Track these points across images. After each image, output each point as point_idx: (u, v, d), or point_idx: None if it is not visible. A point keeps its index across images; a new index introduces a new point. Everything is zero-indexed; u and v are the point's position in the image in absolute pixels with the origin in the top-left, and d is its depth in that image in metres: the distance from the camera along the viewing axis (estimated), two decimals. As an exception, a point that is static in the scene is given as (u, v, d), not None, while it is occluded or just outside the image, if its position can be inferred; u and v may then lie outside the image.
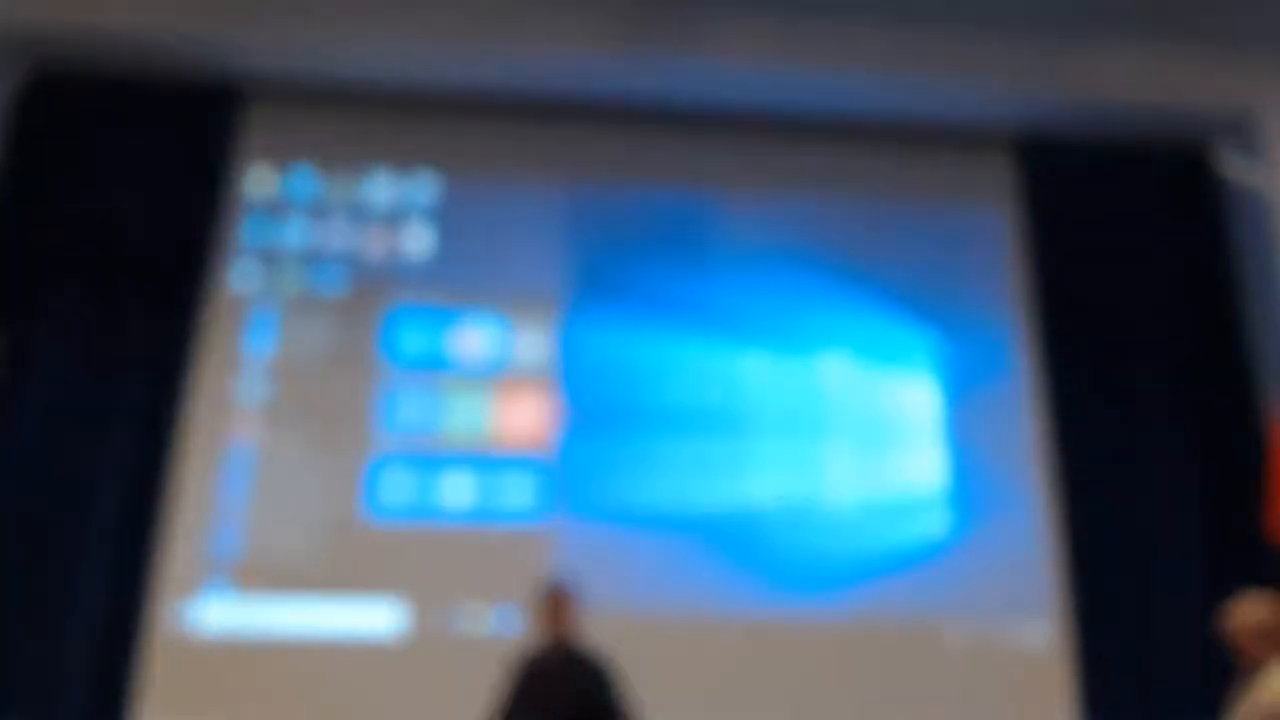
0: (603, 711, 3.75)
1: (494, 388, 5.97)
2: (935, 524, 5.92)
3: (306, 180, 6.28)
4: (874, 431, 6.06)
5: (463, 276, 6.16)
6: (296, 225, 6.20)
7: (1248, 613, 3.50)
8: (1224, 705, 3.61)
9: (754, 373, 6.11)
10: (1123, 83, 6.43)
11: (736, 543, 5.80)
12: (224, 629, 5.44)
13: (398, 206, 6.28)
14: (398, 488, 5.73)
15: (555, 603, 3.92)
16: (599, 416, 5.96)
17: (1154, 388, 6.27)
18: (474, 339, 6.05)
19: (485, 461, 5.83)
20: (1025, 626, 5.78)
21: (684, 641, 5.57)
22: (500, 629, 5.52)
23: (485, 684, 5.28)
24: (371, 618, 5.53)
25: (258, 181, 6.24)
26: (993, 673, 5.67)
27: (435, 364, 5.99)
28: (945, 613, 5.75)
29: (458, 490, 5.76)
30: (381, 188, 6.32)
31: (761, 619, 5.68)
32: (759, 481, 5.91)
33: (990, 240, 6.55)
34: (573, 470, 5.83)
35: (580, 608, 3.94)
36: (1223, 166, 6.64)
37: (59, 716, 5.15)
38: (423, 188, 6.33)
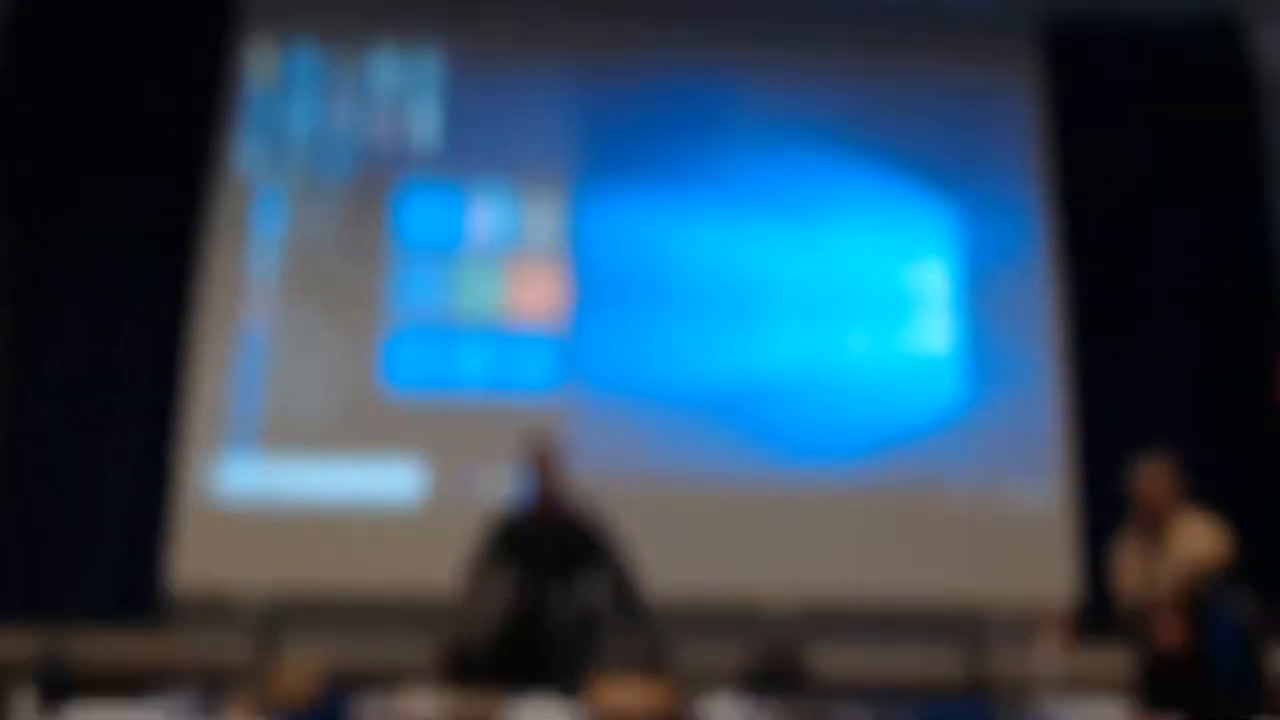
0: (591, 565, 3.70)
1: (505, 265, 5.95)
2: (947, 392, 5.94)
3: (309, 59, 6.19)
4: (889, 304, 6.04)
5: (471, 155, 6.09)
6: (301, 107, 6.12)
7: (1154, 473, 3.57)
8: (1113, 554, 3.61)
9: (767, 247, 6.07)
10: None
11: (748, 412, 5.82)
12: (250, 493, 5.54)
13: (403, 86, 6.19)
14: (414, 360, 5.77)
15: (543, 461, 3.82)
16: (610, 292, 5.94)
17: (1173, 270, 6.23)
18: (484, 217, 6.01)
19: (498, 336, 5.84)
20: (1030, 490, 5.82)
21: (695, 508, 5.62)
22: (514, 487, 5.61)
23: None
24: (392, 482, 5.61)
25: (259, 60, 6.14)
26: (997, 534, 5.72)
27: (446, 243, 5.96)
28: (953, 477, 5.80)
29: (472, 363, 5.79)
30: (386, 67, 6.22)
31: (772, 485, 5.73)
32: (772, 353, 5.92)
33: (1014, 122, 6.42)
34: (585, 344, 5.84)
35: (568, 464, 3.85)
36: (1254, 48, 6.52)
37: (95, 580, 5.26)
38: (428, 66, 6.23)
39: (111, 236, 5.76)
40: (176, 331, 5.66)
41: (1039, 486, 5.82)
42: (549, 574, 3.62)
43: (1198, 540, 3.39)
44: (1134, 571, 3.50)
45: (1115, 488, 5.70)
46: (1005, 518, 5.76)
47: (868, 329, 6.01)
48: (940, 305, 6.04)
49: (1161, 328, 6.12)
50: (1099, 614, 4.70)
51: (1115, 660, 3.56)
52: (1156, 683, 3.17)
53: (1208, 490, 5.68)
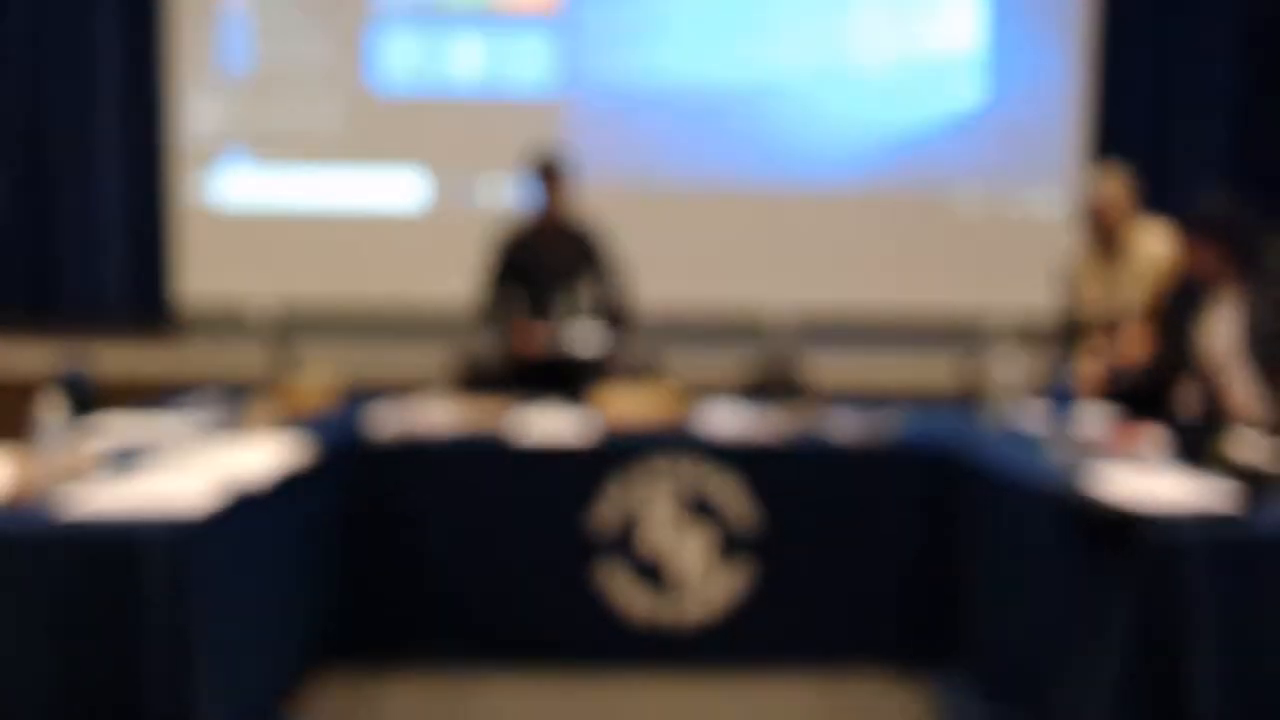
0: (590, 277, 3.71)
1: (496, -57, 5.53)
2: (964, 90, 5.72)
3: None
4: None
5: None
6: None
7: (1109, 183, 3.37)
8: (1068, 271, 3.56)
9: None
10: None
11: (753, 111, 5.63)
12: (249, 203, 5.50)
13: None
14: (403, 56, 5.51)
15: (548, 175, 3.73)
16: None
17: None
18: (470, -113, 5.50)
19: (491, 26, 5.53)
20: (1041, 198, 5.76)
21: (697, 213, 5.59)
22: (519, 198, 5.54)
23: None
24: (392, 188, 5.55)
25: None
26: (1004, 243, 5.73)
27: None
28: (962, 183, 5.72)
29: (465, 58, 5.53)
30: None
31: (776, 190, 5.66)
32: (782, 47, 5.63)
33: None
34: (583, 33, 5.55)
35: (574, 180, 3.79)
36: None
37: (102, 291, 5.33)
38: None
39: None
40: (150, 28, 5.36)
41: (1050, 195, 5.75)
42: (553, 284, 3.65)
43: (1157, 247, 3.34)
44: (1093, 287, 3.45)
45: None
46: (1013, 226, 5.74)
47: (884, 20, 5.67)
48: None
49: (1195, 42, 5.78)
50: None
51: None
52: (1129, 395, 3.26)
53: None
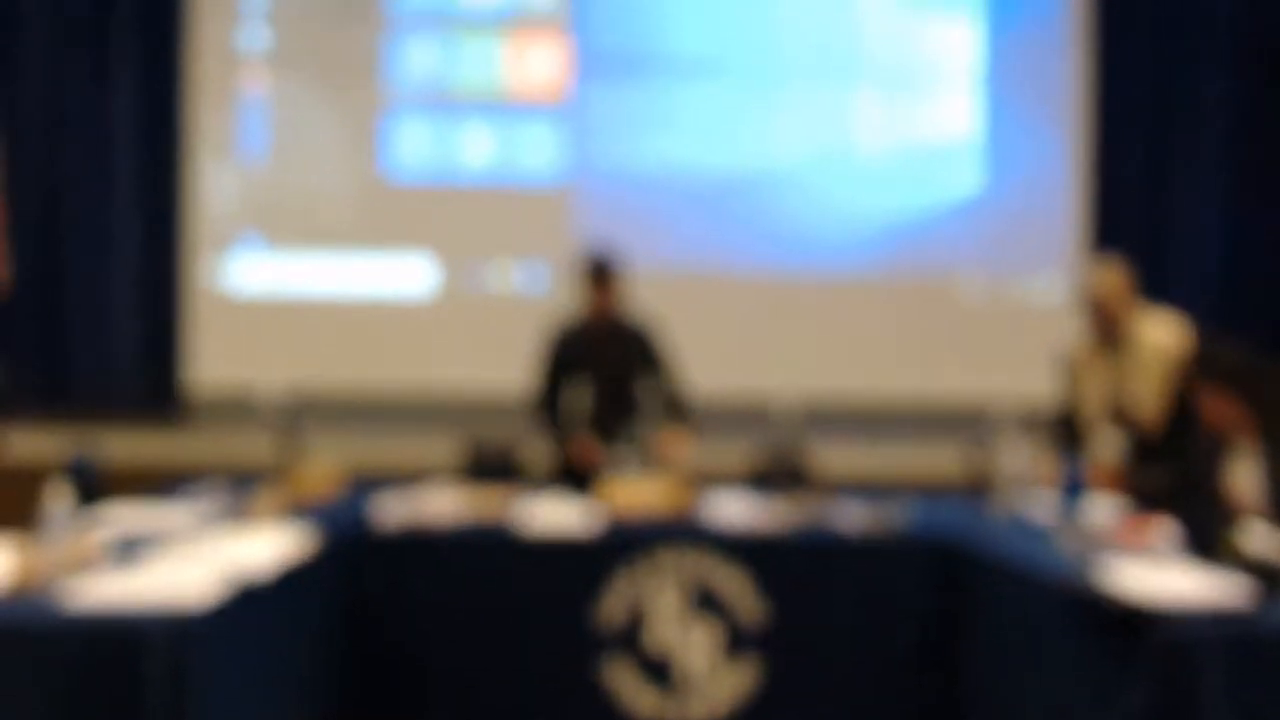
0: (646, 375, 3.70)
1: (504, 34, 5.68)
2: (962, 180, 5.81)
3: None
4: (908, 79, 5.79)
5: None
6: None
7: (1109, 275, 3.36)
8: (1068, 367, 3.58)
9: (783, 13, 5.75)
10: None
11: (756, 199, 5.72)
12: (259, 287, 5.58)
13: None
14: (415, 143, 5.63)
15: (601, 275, 3.68)
16: (615, 64, 5.70)
17: (1208, 49, 5.90)
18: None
19: (501, 115, 5.66)
20: (1041, 284, 5.81)
21: (700, 299, 5.63)
22: (527, 285, 5.61)
23: (514, 337, 5.44)
24: (403, 274, 5.62)
25: None
26: (1007, 324, 5.77)
27: (440, 9, 5.67)
28: (965, 267, 5.78)
29: (475, 146, 5.65)
30: None
31: (779, 276, 5.72)
32: (785, 134, 5.74)
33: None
34: (590, 122, 5.67)
35: (627, 278, 3.76)
36: None
37: (113, 380, 5.36)
38: None
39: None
40: (169, 111, 5.47)
41: (1051, 281, 5.80)
42: (609, 385, 3.62)
43: (1162, 336, 3.34)
44: (1095, 380, 3.44)
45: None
46: (1016, 312, 5.78)
47: (885, 105, 5.80)
48: (961, 78, 5.79)
49: (1190, 130, 5.88)
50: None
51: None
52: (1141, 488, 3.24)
53: (1232, 296, 5.72)
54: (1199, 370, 2.86)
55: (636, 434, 3.53)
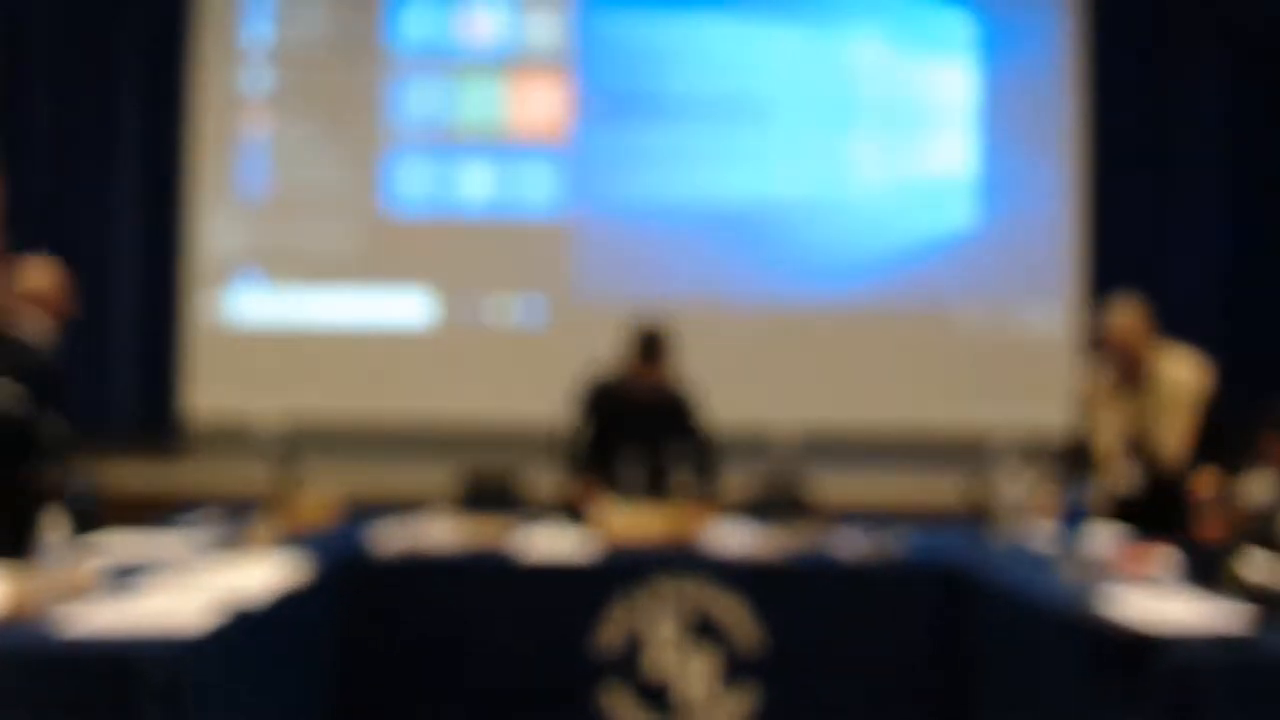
0: (681, 440, 3.69)
1: (506, 75, 5.74)
2: (957, 215, 5.85)
3: None
4: (903, 118, 5.83)
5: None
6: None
7: (1128, 314, 3.39)
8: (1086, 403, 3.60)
9: (779, 55, 5.82)
10: None
11: (755, 234, 5.75)
12: (261, 321, 5.59)
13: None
14: (416, 180, 5.67)
15: (654, 347, 3.66)
16: (615, 104, 5.75)
17: (1200, 87, 5.97)
18: (483, 22, 5.75)
19: (501, 153, 5.71)
20: (1040, 312, 5.83)
21: (699, 332, 5.61)
22: (526, 318, 5.63)
23: (511, 369, 5.47)
24: (401, 307, 5.63)
25: None
26: (1005, 357, 5.79)
27: (443, 50, 5.73)
28: (963, 299, 5.81)
29: (475, 182, 5.69)
30: None
31: (778, 310, 5.74)
32: (781, 171, 5.78)
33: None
34: (590, 160, 5.71)
35: (676, 353, 3.75)
36: None
37: (110, 410, 5.36)
38: None
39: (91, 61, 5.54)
40: (172, 152, 5.53)
41: (1049, 313, 5.81)
42: (638, 443, 3.57)
43: (1183, 373, 3.36)
44: (1114, 418, 3.46)
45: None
46: (1014, 344, 5.80)
47: (881, 145, 5.84)
48: (956, 118, 5.84)
49: (1188, 156, 5.89)
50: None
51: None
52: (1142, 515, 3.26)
53: (1220, 312, 5.73)
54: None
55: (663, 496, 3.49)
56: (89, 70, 5.57)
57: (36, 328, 3.19)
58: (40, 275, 3.33)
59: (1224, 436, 3.24)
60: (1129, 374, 3.40)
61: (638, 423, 3.64)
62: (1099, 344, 3.45)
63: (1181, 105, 5.92)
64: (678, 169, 5.74)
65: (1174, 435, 3.32)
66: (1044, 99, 5.90)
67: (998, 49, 5.91)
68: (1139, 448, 3.38)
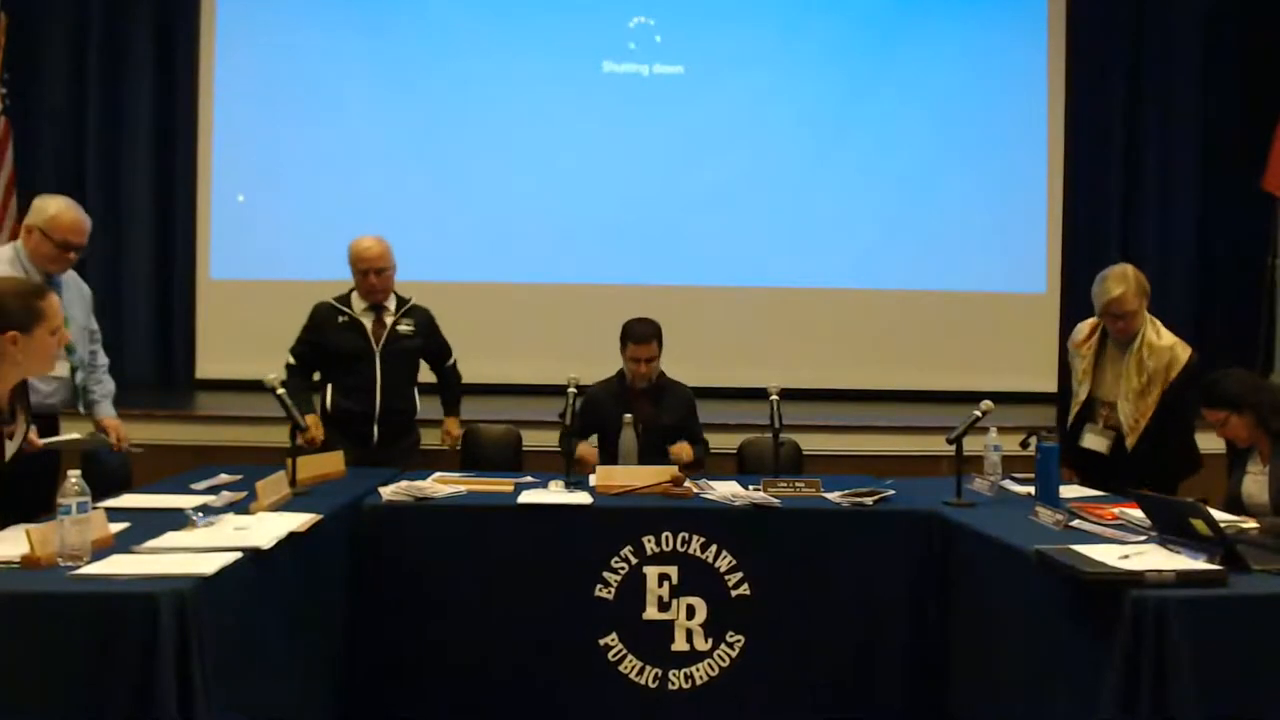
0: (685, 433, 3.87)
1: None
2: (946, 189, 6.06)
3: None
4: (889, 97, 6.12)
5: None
6: None
7: (1132, 276, 3.47)
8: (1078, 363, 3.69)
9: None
10: None
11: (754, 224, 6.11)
12: (269, 276, 5.82)
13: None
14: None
15: (643, 345, 3.83)
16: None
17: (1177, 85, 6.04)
18: None
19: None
20: (1021, 279, 6.06)
21: (707, 306, 5.94)
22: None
23: (518, 328, 5.53)
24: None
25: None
26: (991, 321, 6.06)
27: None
28: (948, 269, 6.05)
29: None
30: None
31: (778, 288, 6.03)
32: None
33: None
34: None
35: (661, 345, 3.90)
36: None
37: (125, 365, 5.47)
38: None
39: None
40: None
41: (1030, 278, 6.06)
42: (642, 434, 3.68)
43: (1168, 341, 3.46)
44: (1104, 378, 3.57)
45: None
46: (997, 307, 6.05)
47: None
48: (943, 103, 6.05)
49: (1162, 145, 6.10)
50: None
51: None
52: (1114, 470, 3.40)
53: (1199, 291, 5.84)
54: (1206, 398, 3.15)
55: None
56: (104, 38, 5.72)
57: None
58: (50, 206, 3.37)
59: (1191, 410, 3.37)
60: (1121, 337, 3.50)
61: (640, 416, 3.74)
62: (1101, 314, 3.52)
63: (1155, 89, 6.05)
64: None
65: (1149, 400, 3.42)
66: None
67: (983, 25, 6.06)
68: (1113, 408, 3.50)
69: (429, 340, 4.00)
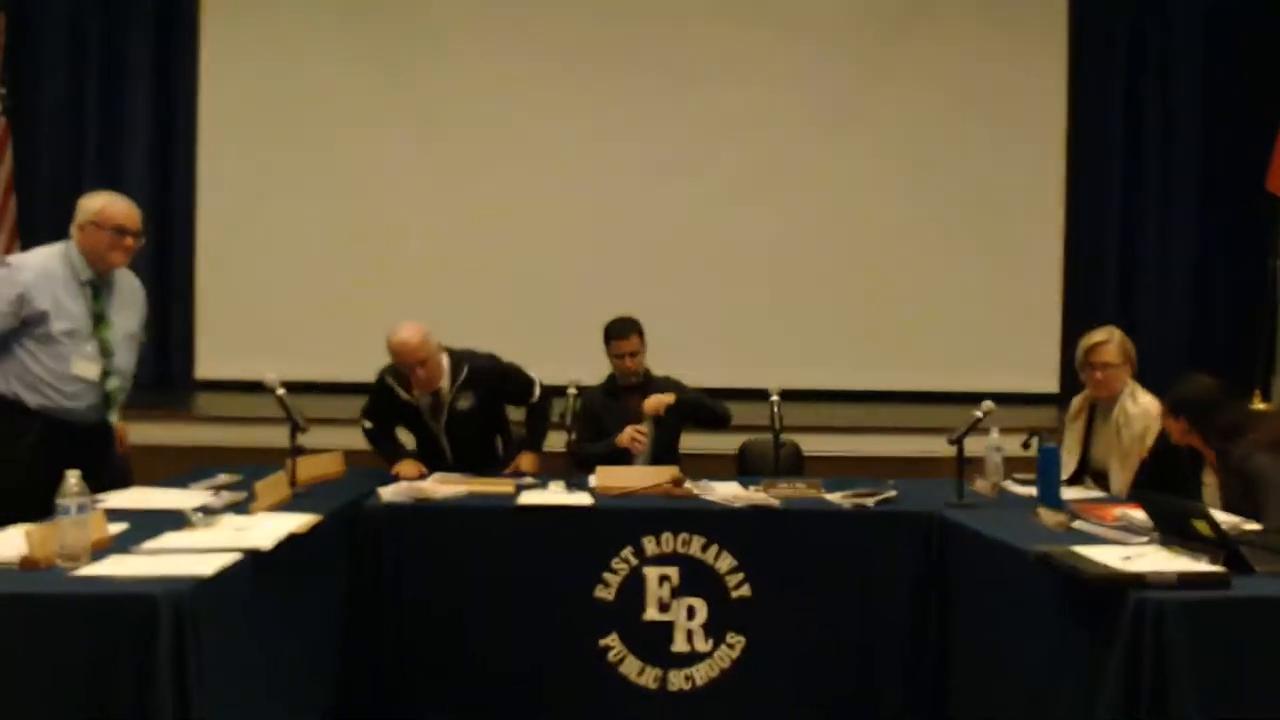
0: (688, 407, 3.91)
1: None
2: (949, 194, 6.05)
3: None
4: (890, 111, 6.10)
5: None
6: None
7: (1118, 333, 3.52)
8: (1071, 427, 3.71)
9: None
10: None
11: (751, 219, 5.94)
12: (269, 278, 5.81)
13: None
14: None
15: (623, 340, 3.89)
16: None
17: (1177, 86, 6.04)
18: None
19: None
20: (1022, 285, 6.05)
21: (707, 310, 5.93)
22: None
23: (513, 333, 5.56)
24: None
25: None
26: (992, 323, 6.04)
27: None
28: (947, 271, 6.03)
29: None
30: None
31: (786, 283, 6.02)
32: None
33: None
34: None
35: (644, 339, 3.94)
36: None
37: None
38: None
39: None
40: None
41: (1028, 286, 6.06)
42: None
43: (1147, 406, 3.45)
44: (1078, 441, 3.61)
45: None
46: (998, 312, 6.03)
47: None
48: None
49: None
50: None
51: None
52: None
53: (1201, 301, 5.84)
54: (1169, 407, 3.13)
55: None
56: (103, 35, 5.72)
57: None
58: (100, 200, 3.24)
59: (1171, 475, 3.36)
60: (1099, 394, 3.55)
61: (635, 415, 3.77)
62: (1081, 366, 3.56)
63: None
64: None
65: (1127, 468, 3.45)
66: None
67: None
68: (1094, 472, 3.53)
69: (496, 400, 3.76)
